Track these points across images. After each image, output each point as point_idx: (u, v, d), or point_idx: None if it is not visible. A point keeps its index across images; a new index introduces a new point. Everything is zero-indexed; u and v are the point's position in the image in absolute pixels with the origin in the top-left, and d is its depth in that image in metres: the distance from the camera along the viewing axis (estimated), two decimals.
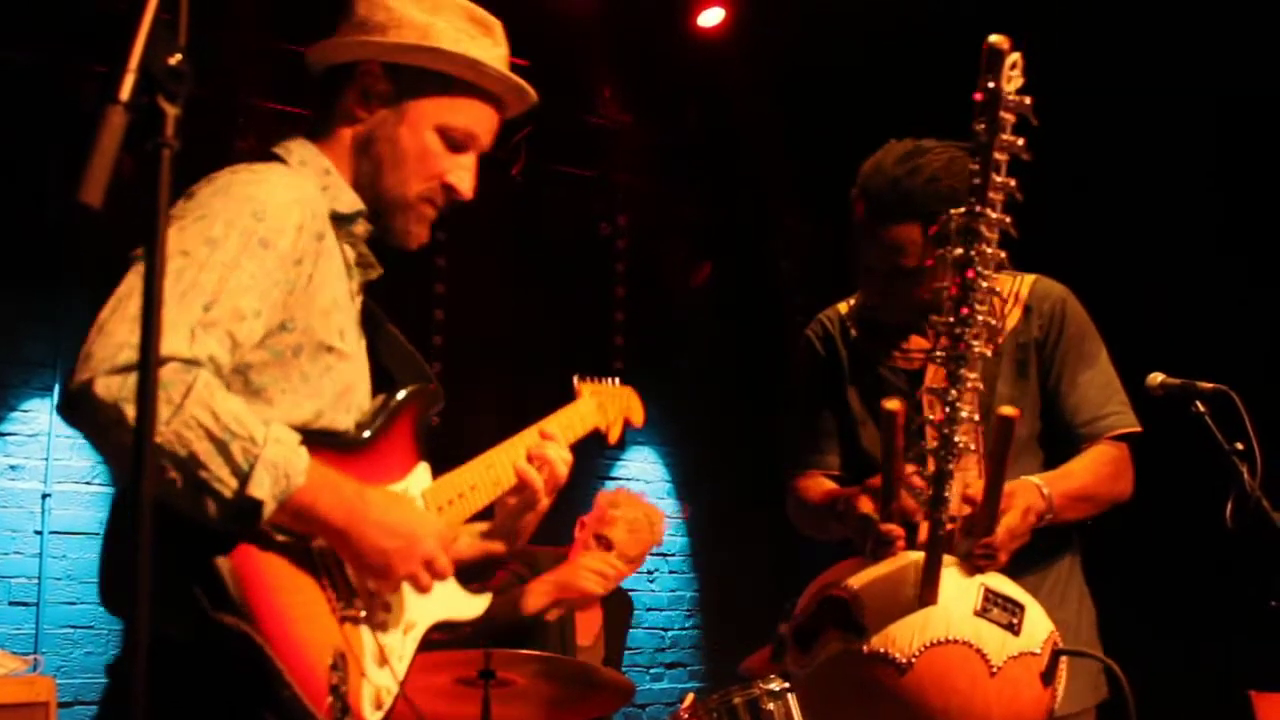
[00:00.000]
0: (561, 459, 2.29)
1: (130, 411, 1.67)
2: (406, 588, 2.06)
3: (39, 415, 5.65)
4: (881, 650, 2.24)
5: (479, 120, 2.18)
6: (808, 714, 2.65)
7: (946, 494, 2.24)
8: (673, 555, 7.49)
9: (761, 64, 6.55)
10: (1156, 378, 3.14)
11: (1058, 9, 5.74)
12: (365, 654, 1.97)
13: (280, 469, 1.78)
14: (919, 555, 2.33)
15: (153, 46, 1.18)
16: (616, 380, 2.80)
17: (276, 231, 1.91)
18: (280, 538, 1.86)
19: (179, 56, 1.19)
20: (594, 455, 6.82)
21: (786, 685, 3.80)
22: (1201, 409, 3.06)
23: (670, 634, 7.41)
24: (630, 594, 4.83)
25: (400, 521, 1.97)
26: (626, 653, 7.07)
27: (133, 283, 1.80)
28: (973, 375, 2.19)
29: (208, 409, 1.74)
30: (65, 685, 5.33)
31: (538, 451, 2.28)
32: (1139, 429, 2.81)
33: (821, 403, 2.90)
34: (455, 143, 2.15)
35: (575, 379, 2.69)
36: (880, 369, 2.83)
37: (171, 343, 1.74)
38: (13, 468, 5.60)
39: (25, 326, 5.66)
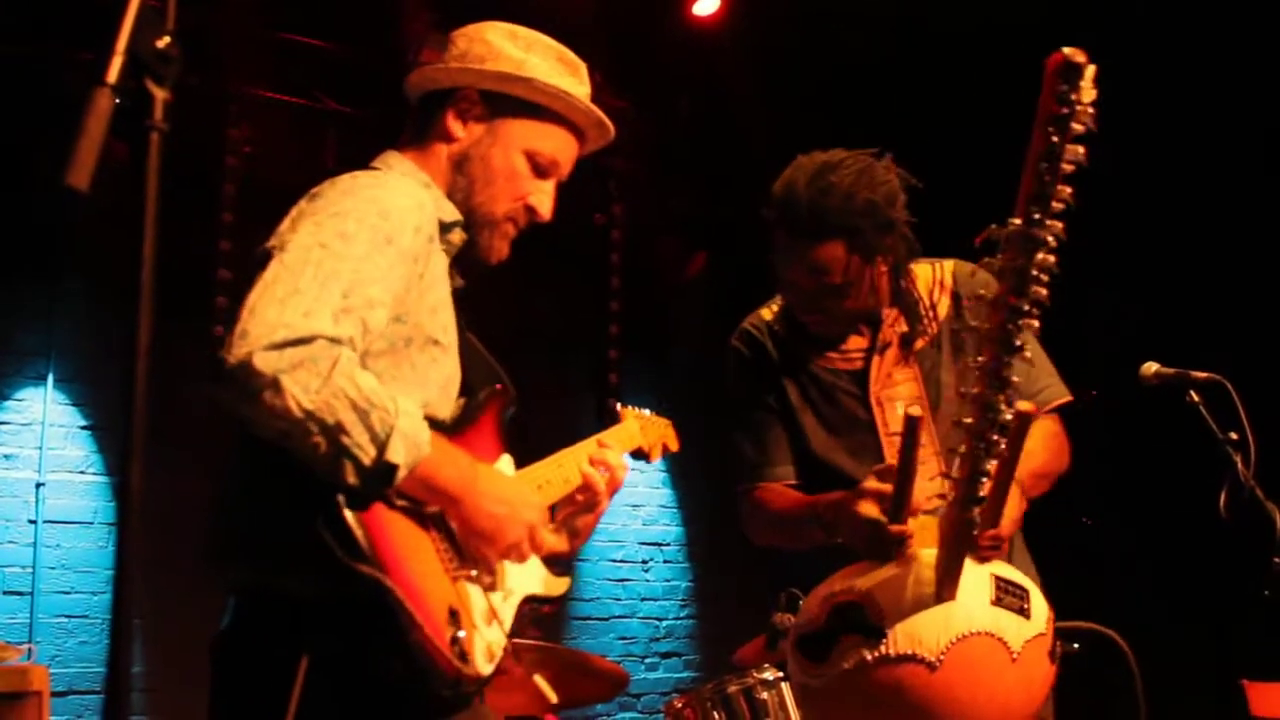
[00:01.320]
0: (621, 465, 2.49)
1: (286, 382, 1.83)
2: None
3: (33, 404, 5.64)
4: (909, 651, 2.24)
5: (563, 149, 2.39)
6: None
7: (980, 493, 2.25)
8: (667, 545, 7.49)
9: (756, 53, 6.54)
10: (1151, 367, 3.15)
11: (1055, 9, 5.74)
12: (475, 611, 2.12)
13: (411, 438, 1.93)
14: (927, 553, 2.34)
15: (140, 30, 1.17)
16: (652, 413, 3.00)
17: (399, 230, 2.08)
18: (399, 502, 2.00)
19: (167, 39, 1.18)
20: None
21: (781, 675, 3.81)
22: (1196, 399, 3.06)
23: (665, 624, 7.41)
24: None
25: (509, 493, 2.15)
26: (621, 642, 7.09)
27: (276, 271, 1.95)
28: (1017, 379, 2.18)
29: (351, 381, 1.89)
30: (59, 674, 5.33)
31: (600, 456, 2.47)
32: (1071, 398, 2.84)
33: (765, 413, 2.89)
34: (540, 168, 2.36)
35: (619, 406, 2.91)
36: (820, 372, 2.84)
37: (319, 322, 1.90)
38: (6, 457, 5.59)
39: (18, 316, 5.64)
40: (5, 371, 5.64)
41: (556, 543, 2.44)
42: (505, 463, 2.35)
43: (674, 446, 3.02)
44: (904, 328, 2.84)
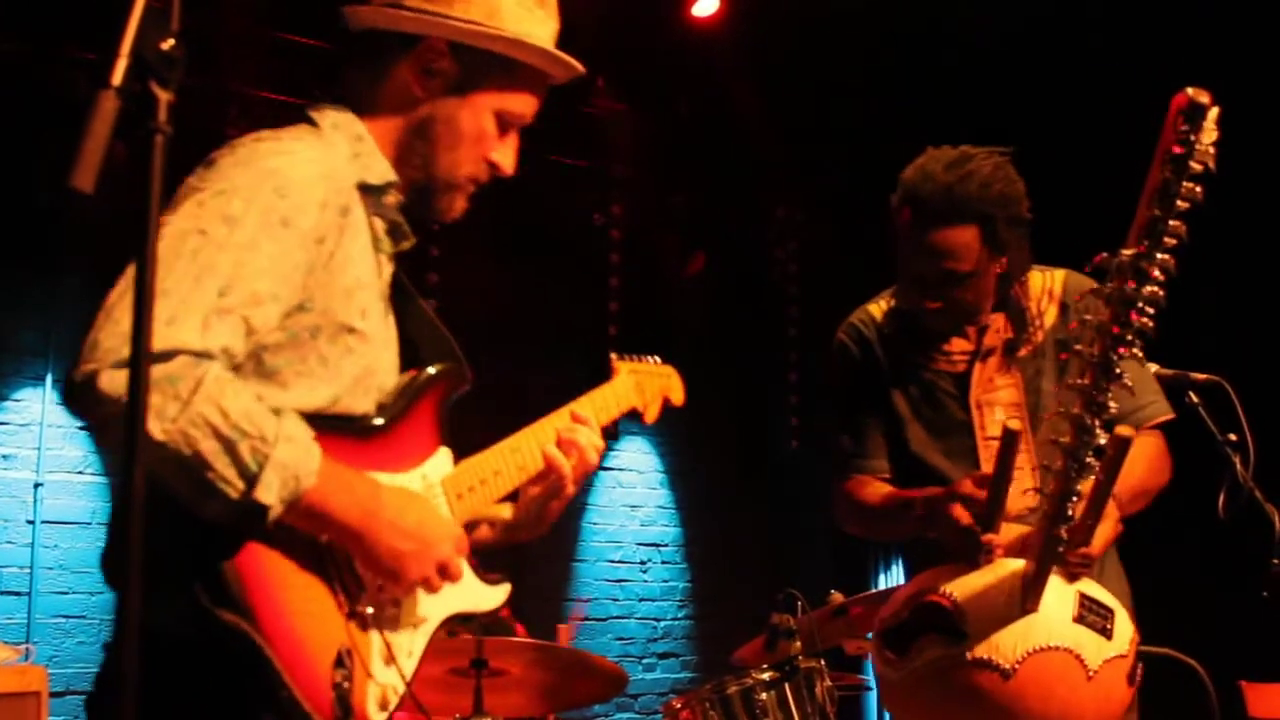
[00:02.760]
0: (593, 445, 2.24)
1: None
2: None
3: (31, 404, 5.64)
4: (985, 657, 2.31)
5: (532, 104, 2.16)
6: (898, 714, 2.65)
7: (1070, 512, 2.30)
8: (665, 546, 7.49)
9: (755, 53, 6.54)
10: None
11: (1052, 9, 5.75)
12: (372, 653, 1.93)
13: (290, 470, 1.73)
14: (1016, 563, 2.40)
15: (145, 32, 1.17)
16: (657, 359, 2.73)
17: (298, 209, 1.85)
18: (286, 534, 1.80)
19: (172, 41, 1.18)
20: None
21: (779, 675, 3.80)
22: (1195, 400, 3.07)
23: (663, 624, 7.41)
24: None
25: (416, 524, 1.92)
26: (619, 642, 7.10)
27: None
28: (1114, 405, 2.24)
29: (216, 406, 1.68)
30: (57, 675, 5.33)
31: (569, 437, 2.22)
32: (1173, 415, 2.89)
33: (865, 407, 2.91)
34: (507, 125, 2.13)
35: (613, 357, 2.59)
36: (923, 372, 2.86)
37: (184, 332, 1.69)
38: (5, 457, 5.59)
39: (17, 315, 5.64)
40: (4, 371, 5.63)
41: (512, 536, 2.26)
42: (442, 457, 2.12)
43: (677, 399, 2.72)
44: (1008, 334, 2.85)
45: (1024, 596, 2.34)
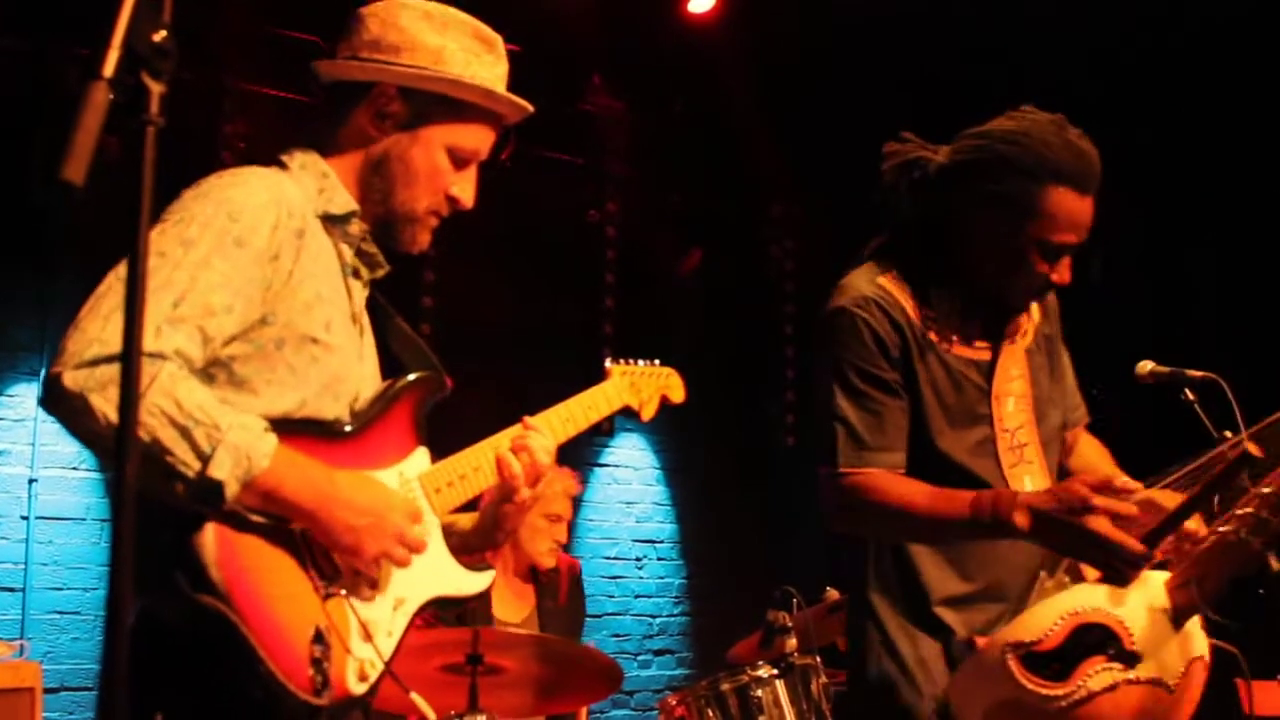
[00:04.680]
0: (543, 448, 2.34)
1: (95, 400, 1.81)
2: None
3: (25, 400, 5.63)
4: (1157, 676, 2.34)
5: (485, 139, 2.31)
6: None
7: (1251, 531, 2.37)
8: (661, 543, 7.49)
9: (752, 51, 6.53)
10: (1146, 365, 3.15)
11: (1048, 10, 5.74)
12: (350, 630, 2.06)
13: (242, 451, 1.89)
14: (1157, 575, 2.41)
15: (137, 23, 1.17)
16: (656, 361, 2.83)
17: (251, 230, 2.02)
18: (258, 519, 1.96)
19: (164, 33, 1.18)
20: (583, 443, 6.81)
21: (774, 672, 3.81)
22: (1190, 397, 3.06)
23: (658, 621, 7.41)
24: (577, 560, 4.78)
25: (369, 500, 2.06)
26: (614, 639, 7.09)
27: (110, 282, 1.91)
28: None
29: (170, 397, 1.86)
30: (51, 671, 5.32)
31: (521, 441, 2.34)
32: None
33: (887, 392, 2.56)
34: (461, 161, 2.28)
35: (608, 362, 2.74)
36: (949, 357, 2.63)
37: None
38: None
39: (11, 311, 5.63)
40: None
41: (470, 543, 2.36)
42: (419, 456, 2.27)
43: (676, 398, 2.84)
44: (1038, 321, 2.75)
45: (1175, 611, 2.38)
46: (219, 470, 1.86)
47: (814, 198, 7.45)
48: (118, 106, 1.16)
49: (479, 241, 6.40)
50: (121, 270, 1.90)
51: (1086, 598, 2.38)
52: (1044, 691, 2.31)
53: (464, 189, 2.29)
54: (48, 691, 4.91)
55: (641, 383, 2.76)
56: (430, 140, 2.24)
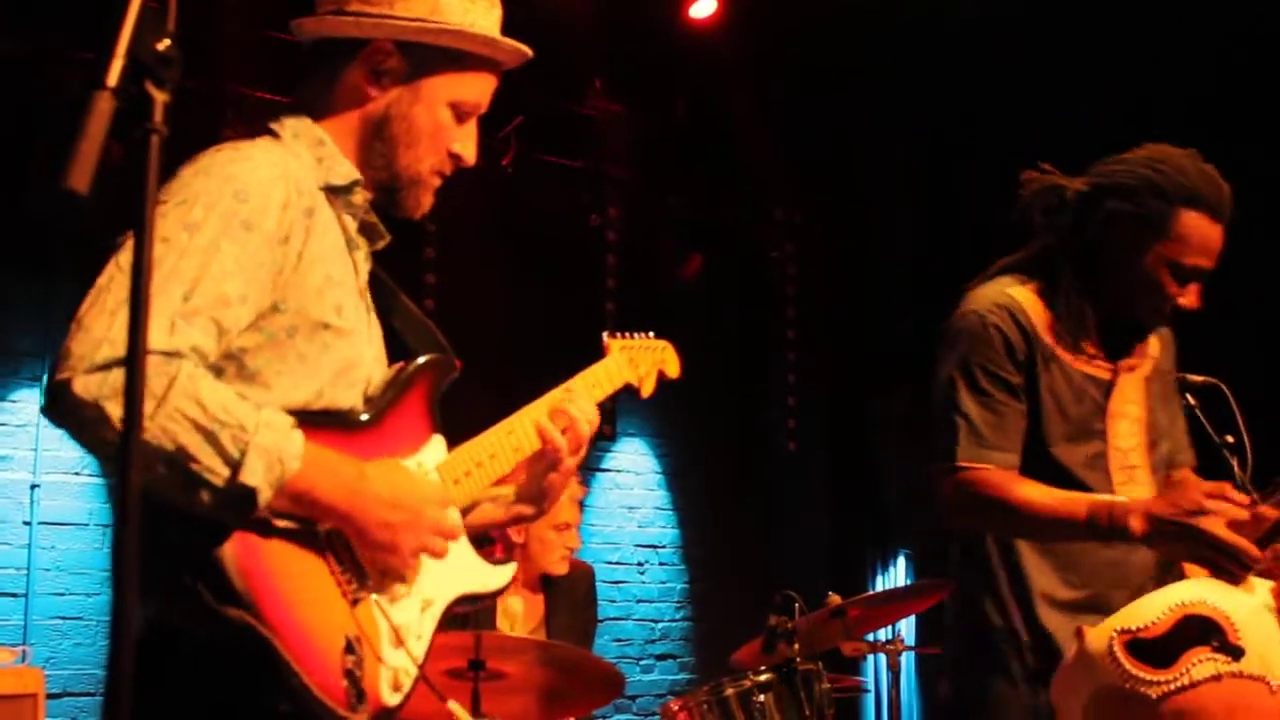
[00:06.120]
0: (585, 417, 2.28)
1: (111, 409, 1.66)
2: (425, 562, 2.04)
3: (28, 406, 5.63)
4: (1261, 673, 2.35)
5: (486, 90, 2.17)
6: None
7: None
8: (663, 547, 7.49)
9: (753, 55, 6.54)
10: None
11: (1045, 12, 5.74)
12: (380, 636, 1.95)
13: (274, 454, 1.76)
14: (1266, 583, 2.46)
15: (141, 32, 1.17)
16: (650, 334, 2.76)
17: (259, 211, 1.87)
18: (283, 523, 1.83)
19: (168, 42, 1.18)
20: None
21: (776, 677, 3.80)
22: (1192, 401, 3.07)
23: (660, 626, 7.41)
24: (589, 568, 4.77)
25: (402, 493, 1.95)
26: (616, 644, 7.09)
27: (111, 273, 1.77)
28: None
29: (193, 400, 1.72)
30: (54, 676, 5.32)
31: (561, 408, 2.27)
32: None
33: (1010, 395, 2.72)
34: (463, 115, 2.15)
35: (605, 335, 2.64)
36: (1074, 373, 2.78)
37: (150, 337, 1.68)
38: (1, 458, 5.58)
39: (13, 316, 5.64)
40: (0, 373, 5.63)
41: (518, 510, 2.30)
42: (435, 444, 2.15)
43: (672, 372, 2.75)
44: (1157, 353, 2.89)
45: None
46: (251, 476, 1.72)
47: (815, 203, 7.46)
48: (122, 114, 1.16)
49: (480, 245, 6.41)
50: (123, 259, 1.76)
51: (1194, 591, 2.44)
52: (1147, 677, 2.36)
53: (466, 145, 2.15)
54: (50, 697, 4.90)
55: (639, 357, 2.67)
56: (433, 96, 2.10)
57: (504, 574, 2.24)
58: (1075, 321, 2.75)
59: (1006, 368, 2.71)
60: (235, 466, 1.73)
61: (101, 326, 1.70)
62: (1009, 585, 2.73)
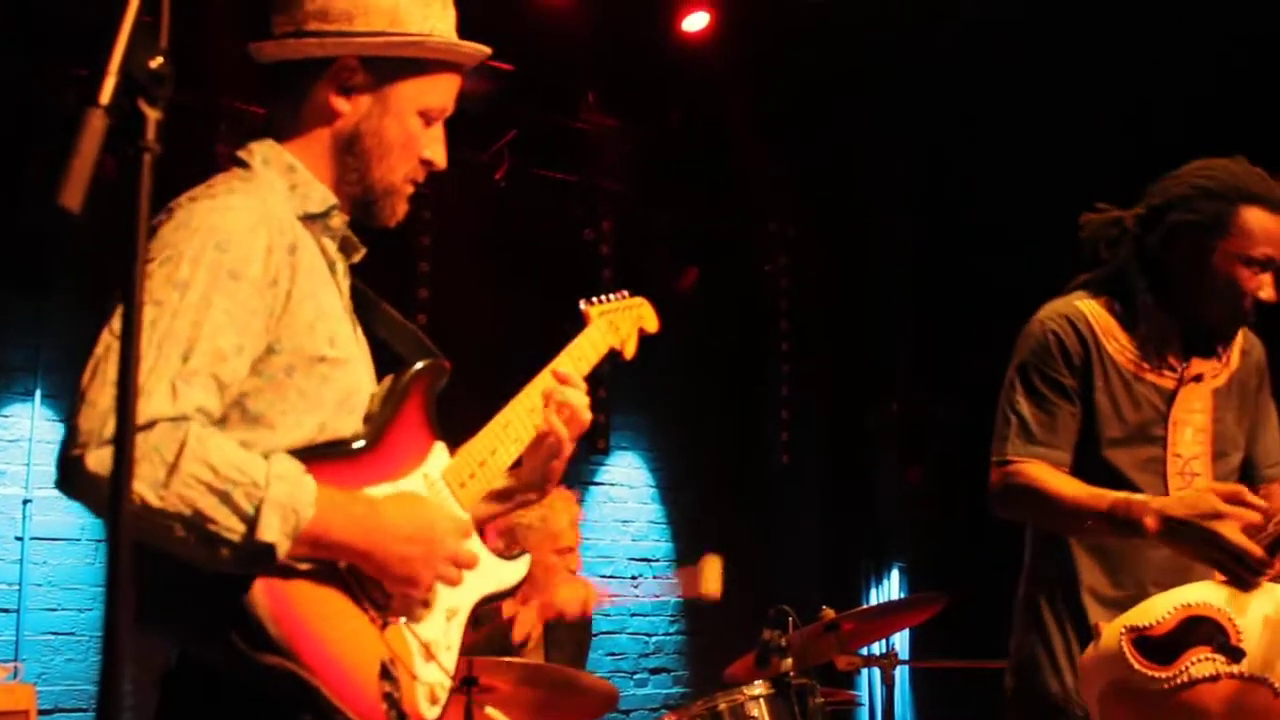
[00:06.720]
0: (582, 404, 2.32)
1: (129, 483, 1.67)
2: None
3: (20, 421, 5.62)
4: (1262, 675, 2.41)
5: (451, 92, 2.18)
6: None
7: None
8: (657, 561, 7.48)
9: (746, 69, 6.55)
10: None
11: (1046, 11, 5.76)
12: (412, 654, 2.01)
13: (288, 506, 1.78)
14: (1272, 586, 2.51)
15: (134, 49, 1.17)
16: (625, 292, 2.79)
17: (244, 260, 1.88)
18: (304, 565, 1.85)
19: (160, 59, 1.18)
20: (578, 459, 6.81)
21: (770, 691, 3.80)
22: None
23: (654, 639, 7.40)
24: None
25: (417, 526, 1.97)
26: (610, 658, 7.08)
27: (107, 341, 1.78)
28: None
29: (204, 463, 1.74)
30: (46, 692, 5.30)
31: (559, 398, 2.31)
32: None
33: (1065, 395, 2.86)
34: (431, 119, 2.16)
35: (583, 304, 2.65)
36: (1136, 380, 2.87)
37: (156, 403, 1.74)
38: None
39: (6, 331, 5.63)
40: None
41: (523, 498, 2.34)
42: (439, 452, 2.16)
43: (651, 328, 2.78)
44: (1229, 365, 2.94)
45: None
46: (268, 533, 1.75)
47: (809, 215, 7.47)
48: (114, 132, 1.16)
49: (474, 259, 6.41)
50: (116, 325, 1.69)
51: (1201, 593, 2.52)
52: (1150, 673, 2.46)
53: (436, 150, 2.16)
54: (42, 714, 4.89)
55: (619, 319, 2.69)
56: (401, 107, 2.10)
57: (520, 568, 2.28)
58: (1160, 338, 2.86)
59: (1060, 370, 2.86)
60: (251, 524, 1.75)
61: (106, 399, 1.71)
62: (1059, 581, 2.85)
